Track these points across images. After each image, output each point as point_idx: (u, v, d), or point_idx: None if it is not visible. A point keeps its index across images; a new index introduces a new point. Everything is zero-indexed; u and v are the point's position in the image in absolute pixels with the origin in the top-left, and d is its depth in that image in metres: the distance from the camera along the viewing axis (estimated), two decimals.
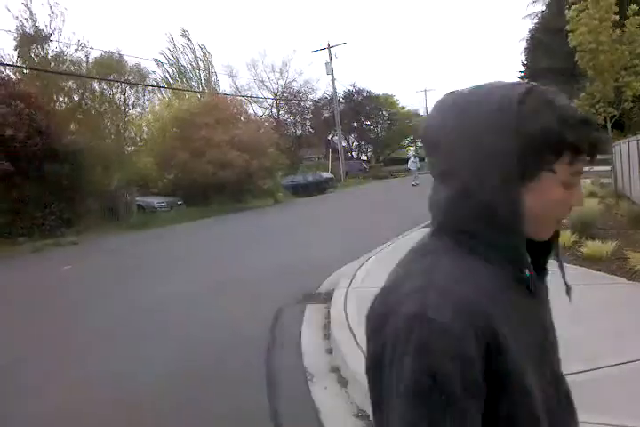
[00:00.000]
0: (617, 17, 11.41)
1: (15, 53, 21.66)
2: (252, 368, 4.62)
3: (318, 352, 4.88)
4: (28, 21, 21.43)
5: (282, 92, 48.07)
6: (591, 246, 6.86)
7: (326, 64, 43.54)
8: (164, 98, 33.72)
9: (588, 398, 2.13)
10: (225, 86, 53.05)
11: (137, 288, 8.92)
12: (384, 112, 57.76)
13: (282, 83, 47.99)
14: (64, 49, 22.21)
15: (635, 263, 5.91)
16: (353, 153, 59.55)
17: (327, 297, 6.60)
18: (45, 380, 4.86)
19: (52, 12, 21.65)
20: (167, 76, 40.66)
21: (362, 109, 54.28)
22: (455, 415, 0.75)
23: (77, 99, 22.91)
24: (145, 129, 27.13)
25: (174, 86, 38.15)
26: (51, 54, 21.97)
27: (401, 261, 0.93)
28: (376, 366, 0.81)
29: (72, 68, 22.37)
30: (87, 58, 22.74)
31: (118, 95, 24.23)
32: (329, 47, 43.03)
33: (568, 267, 6.53)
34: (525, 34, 37.53)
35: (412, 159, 32.56)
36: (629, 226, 8.53)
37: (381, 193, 27.91)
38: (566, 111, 0.82)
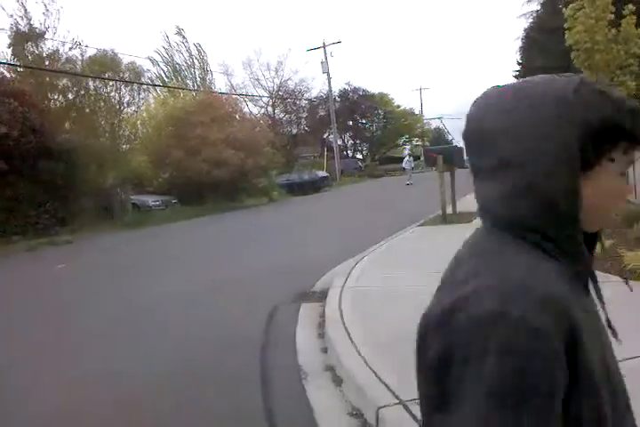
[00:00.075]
0: (612, 16, 11.44)
1: (9, 51, 21.61)
2: (246, 367, 4.62)
3: (313, 351, 4.88)
4: (22, 19, 21.38)
5: (277, 91, 48.06)
6: None
7: (322, 63, 43.57)
8: (159, 96, 33.64)
9: None
10: (220, 85, 52.99)
11: (131, 287, 8.89)
12: (379, 111, 57.81)
13: (277, 81, 48.03)
14: (59, 47, 22.16)
15: (628, 262, 5.93)
16: (348, 152, 59.59)
17: (322, 296, 6.59)
18: (41, 380, 4.84)
19: (47, 10, 21.58)
20: (162, 74, 40.60)
21: (357, 108, 54.31)
22: (541, 416, 0.73)
23: (72, 97, 22.83)
24: (140, 127, 27.06)
25: (169, 85, 38.06)
26: (45, 52, 21.89)
27: (459, 258, 0.91)
28: (441, 366, 0.78)
29: (67, 67, 22.29)
30: (82, 56, 22.70)
31: (113, 93, 24.18)
32: (324, 46, 43.05)
33: None
34: (520, 33, 37.53)
35: (407, 158, 32.59)
36: (623, 225, 8.55)
37: (376, 192, 27.91)
38: (620, 101, 0.83)
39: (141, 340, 5.80)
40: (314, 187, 33.35)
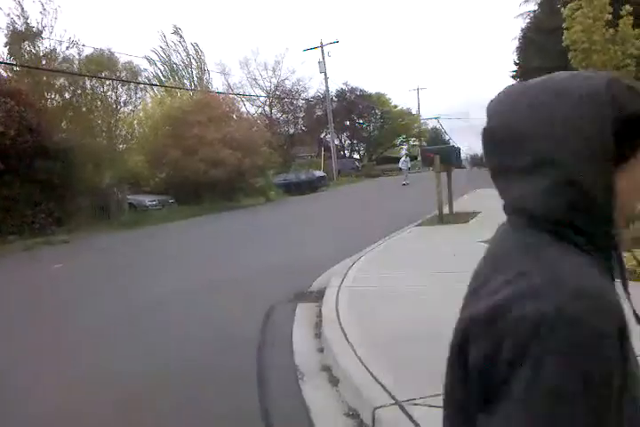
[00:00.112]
0: (610, 16, 11.46)
1: (5, 50, 21.55)
2: (243, 367, 4.62)
3: (309, 351, 4.88)
4: (19, 18, 21.32)
5: (274, 91, 48.02)
6: None
7: (319, 62, 43.56)
8: (156, 96, 33.60)
9: None
10: (218, 84, 53.00)
11: (128, 287, 8.88)
12: (377, 111, 57.83)
13: (274, 81, 47.99)
14: (56, 46, 22.10)
15: (625, 262, 5.95)
16: (345, 151, 59.59)
17: (319, 296, 6.59)
18: (39, 379, 4.83)
19: (44, 9, 21.53)
20: (159, 73, 40.57)
21: (354, 108, 54.31)
22: (597, 416, 0.72)
23: (69, 96, 22.78)
24: (137, 127, 27.02)
25: (166, 84, 38.03)
26: (42, 52, 21.84)
27: (495, 258, 0.90)
28: (490, 366, 0.77)
29: (63, 66, 22.24)
30: (79, 55, 22.65)
31: (110, 93, 24.13)
32: (321, 46, 43.05)
33: None
34: (517, 33, 37.56)
35: (404, 158, 32.62)
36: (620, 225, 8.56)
37: (373, 192, 27.93)
38: None
39: (138, 340, 5.79)
40: (311, 187, 33.36)
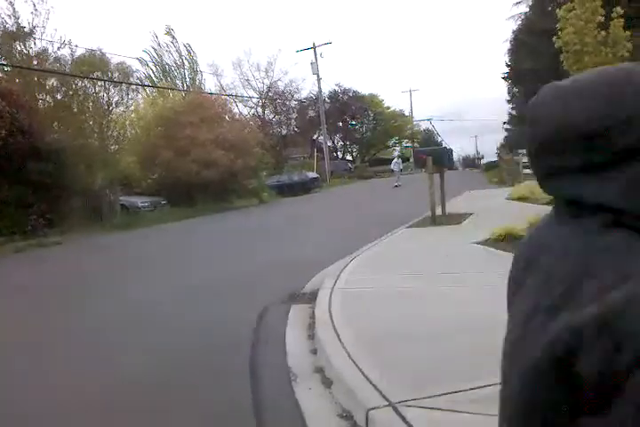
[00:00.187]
0: (602, 18, 11.52)
1: None
2: (235, 368, 4.60)
3: (302, 352, 4.87)
4: (10, 18, 21.22)
5: (267, 92, 48.00)
6: None
7: (312, 64, 43.63)
8: (148, 96, 33.53)
9: None
10: (210, 85, 52.82)
11: (120, 288, 8.84)
12: (369, 112, 57.94)
13: (267, 82, 48.00)
14: (47, 47, 22.01)
15: None
16: (338, 153, 59.66)
17: (312, 297, 6.59)
18: (27, 384, 4.80)
19: (36, 10, 21.43)
20: (151, 74, 40.48)
21: (347, 109, 54.39)
22: None
23: (60, 97, 22.68)
24: (129, 128, 26.94)
25: (159, 85, 37.95)
26: (33, 52, 21.74)
27: (580, 262, 0.85)
28: (604, 372, 0.75)
29: (55, 66, 22.14)
30: (72, 56, 22.56)
31: (102, 94, 24.04)
32: (314, 47, 43.11)
33: None
34: (509, 35, 37.74)
35: (396, 160, 32.64)
36: None
37: (366, 193, 27.97)
38: None
39: (127, 342, 5.76)
40: (304, 188, 33.36)
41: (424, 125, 71.14)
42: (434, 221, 11.95)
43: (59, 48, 22.17)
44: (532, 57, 29.81)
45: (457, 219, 12.17)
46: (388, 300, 5.91)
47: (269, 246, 12.07)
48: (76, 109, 22.75)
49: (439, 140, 69.23)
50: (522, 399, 0.85)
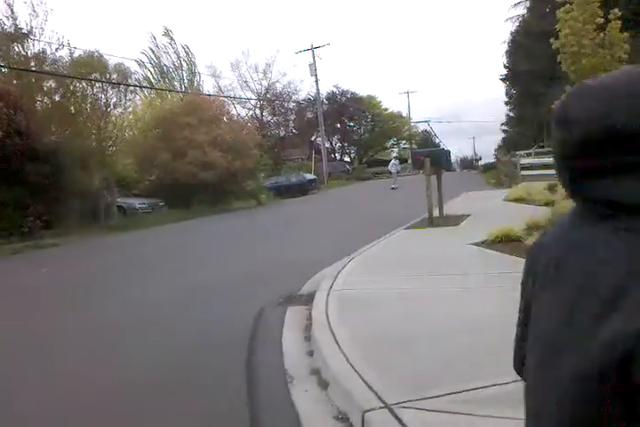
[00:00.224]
0: (601, 20, 11.53)
1: None
2: (232, 370, 4.59)
3: (299, 354, 4.86)
4: (8, 19, 21.17)
5: (265, 93, 48.01)
6: None
7: (310, 65, 43.67)
8: (146, 98, 33.50)
9: None
10: (208, 86, 52.85)
11: (116, 291, 8.84)
12: (367, 113, 57.99)
13: (265, 83, 47.99)
14: (45, 48, 21.96)
15: None
16: (336, 154, 59.70)
17: (309, 299, 6.58)
18: (21, 385, 4.78)
19: (34, 11, 21.37)
20: (149, 75, 40.45)
21: (345, 111, 54.43)
22: None
23: (58, 98, 22.64)
24: (127, 129, 26.90)
25: (157, 86, 37.95)
26: (31, 53, 21.67)
27: (625, 265, 0.83)
28: None
29: (53, 68, 22.08)
30: (71, 57, 22.50)
31: (100, 95, 23.98)
32: (312, 48, 43.15)
33: None
34: (507, 36, 37.81)
35: (393, 161, 32.60)
36: None
37: (364, 195, 27.96)
38: None
39: (124, 344, 5.74)
40: (302, 190, 33.34)
41: (422, 127, 71.27)
42: (431, 222, 11.95)
43: (56, 49, 22.13)
44: (530, 59, 29.88)
45: (454, 220, 12.17)
46: (385, 301, 5.90)
47: (267, 248, 12.06)
48: (73, 111, 22.70)
49: (437, 141, 69.33)
50: (565, 412, 0.82)
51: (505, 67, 38.46)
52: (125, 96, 24.60)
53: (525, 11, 34.91)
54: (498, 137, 60.39)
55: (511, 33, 36.22)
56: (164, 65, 41.05)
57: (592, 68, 11.72)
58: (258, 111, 48.35)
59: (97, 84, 22.98)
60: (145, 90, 34.63)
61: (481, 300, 5.53)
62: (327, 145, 51.19)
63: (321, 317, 5.51)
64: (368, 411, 3.27)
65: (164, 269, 10.41)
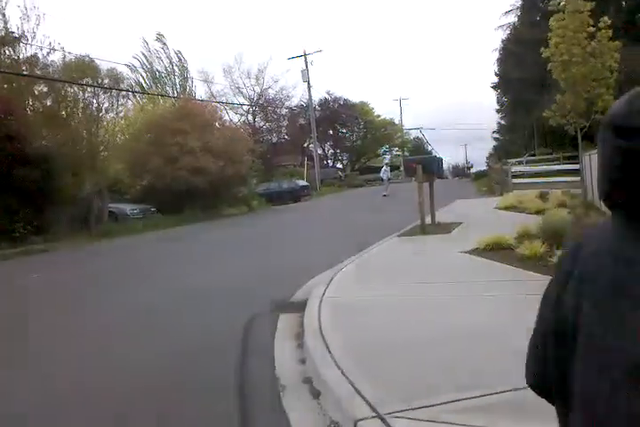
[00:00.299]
0: (593, 28, 11.64)
1: None
2: (223, 378, 4.56)
3: (291, 363, 4.83)
4: None
5: (258, 99, 48.01)
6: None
7: (302, 71, 43.74)
8: (138, 103, 33.43)
9: None
10: (201, 92, 52.72)
11: (106, 298, 8.77)
12: (360, 120, 58.12)
13: (258, 89, 47.98)
14: (37, 52, 21.86)
15: None
16: (328, 161, 59.74)
17: (301, 306, 6.55)
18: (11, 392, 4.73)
19: (27, 15, 21.29)
20: (141, 80, 40.39)
21: (338, 117, 54.53)
22: None
23: (49, 103, 22.54)
24: (118, 134, 26.80)
25: (149, 91, 37.89)
26: (23, 57, 21.58)
27: None
28: None
29: (47, 72, 21.98)
30: (63, 61, 22.42)
31: (92, 100, 23.90)
32: (305, 54, 43.24)
33: (539, 276, 6.59)
34: (498, 44, 38.03)
35: (385, 168, 32.58)
36: None
37: (356, 202, 27.98)
38: None
39: (114, 353, 5.69)
40: (294, 196, 33.33)
41: (414, 134, 71.52)
42: (423, 230, 11.95)
43: (48, 53, 22.05)
44: (520, 66, 30.09)
45: (446, 228, 12.19)
46: (378, 309, 5.89)
47: (259, 255, 12.02)
48: (65, 116, 22.60)
49: (429, 148, 69.60)
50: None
51: (496, 74, 38.69)
52: (117, 101, 24.55)
53: (516, 19, 35.19)
54: (489, 145, 60.72)
55: (502, 41, 36.47)
56: (157, 70, 41.08)
57: (582, 76, 11.82)
58: (250, 117, 48.33)
59: (89, 89, 22.91)
60: (137, 95, 34.57)
61: (473, 307, 5.53)
62: (319, 152, 51.25)
63: (313, 324, 5.48)
64: (360, 420, 3.25)
65: (155, 276, 10.35)
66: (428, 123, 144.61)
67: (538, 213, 12.68)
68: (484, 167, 43.02)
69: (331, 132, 56.43)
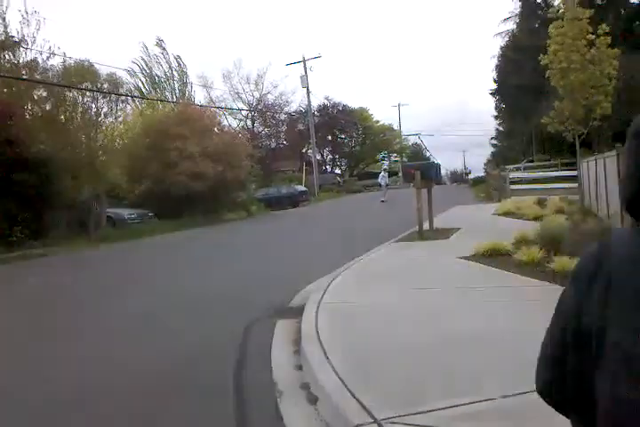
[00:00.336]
0: (592, 36, 11.68)
1: None
2: (220, 384, 4.55)
3: (288, 368, 4.82)
4: None
5: (257, 105, 48.09)
6: (559, 262, 6.94)
7: (301, 77, 43.85)
8: (137, 108, 33.45)
9: None
10: (200, 97, 52.79)
11: (104, 303, 8.75)
12: (358, 126, 58.20)
13: (257, 95, 48.06)
14: (37, 56, 21.89)
15: None
16: (327, 166, 59.76)
17: (298, 312, 6.54)
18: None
19: (27, 20, 21.30)
20: (141, 85, 40.43)
21: (336, 123, 54.59)
22: None
23: (49, 107, 22.55)
24: (117, 139, 26.80)
25: (148, 96, 37.93)
26: (22, 62, 21.59)
27: None
28: None
29: (46, 76, 22.00)
30: (64, 66, 22.43)
31: (91, 104, 23.91)
32: (304, 60, 43.35)
33: (536, 282, 6.60)
34: (496, 51, 38.16)
35: (382, 174, 32.54)
36: (594, 241, 8.66)
37: (354, 207, 27.98)
38: None
39: (111, 358, 5.67)
40: (292, 201, 33.34)
41: (412, 140, 71.58)
42: (421, 235, 11.96)
43: (48, 58, 22.07)
44: (518, 73, 30.20)
45: (445, 233, 12.19)
46: (375, 314, 5.88)
47: (257, 260, 12.02)
48: (64, 120, 22.60)
49: (427, 154, 69.64)
50: None
51: (494, 81, 38.79)
52: (116, 106, 24.54)
53: (515, 26, 35.36)
54: (487, 151, 60.77)
55: (501, 48, 36.62)
56: (156, 75, 41.11)
57: (580, 83, 11.86)
58: (249, 122, 48.42)
59: (88, 94, 22.93)
60: (136, 100, 34.61)
61: (471, 313, 5.53)
62: (318, 157, 51.29)
63: (310, 330, 5.48)
64: (357, 426, 3.25)
65: (154, 281, 10.34)
66: (426, 129, 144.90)
67: (536, 219, 12.70)
68: (482, 173, 43.05)
69: (329, 137, 56.48)
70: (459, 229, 12.86)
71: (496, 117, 44.80)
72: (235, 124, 46.03)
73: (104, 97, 23.53)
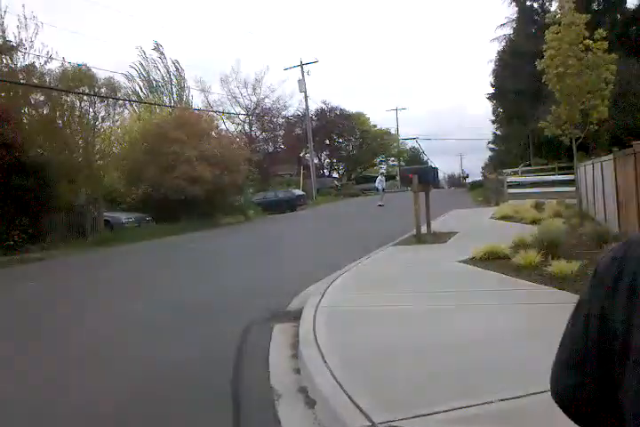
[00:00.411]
0: (590, 41, 11.71)
1: None
2: (218, 387, 4.53)
3: (286, 372, 4.81)
4: None
5: (254, 109, 48.12)
6: (557, 266, 6.95)
7: (299, 81, 43.91)
8: (135, 112, 33.45)
9: None
10: (198, 101, 52.81)
11: (102, 307, 8.73)
12: (356, 130, 58.26)
13: (254, 99, 48.10)
14: (34, 61, 21.90)
15: None
16: (325, 170, 59.80)
17: (296, 316, 6.54)
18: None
19: (25, 24, 21.33)
20: (138, 90, 40.46)
21: (334, 127, 54.65)
22: None
23: (46, 111, 22.54)
24: (115, 143, 26.80)
25: (146, 101, 37.95)
26: (20, 66, 21.60)
27: None
28: None
29: (43, 80, 22.01)
30: (63, 71, 22.44)
31: (88, 108, 23.91)
32: (301, 65, 43.41)
33: (534, 286, 6.60)
34: (494, 56, 38.27)
35: (380, 178, 32.52)
36: (594, 246, 8.69)
37: (352, 211, 27.99)
38: None
39: (107, 364, 5.65)
40: (290, 205, 33.34)
41: (410, 144, 71.69)
42: (419, 239, 11.97)
43: (45, 62, 22.09)
44: (516, 78, 30.28)
45: (442, 237, 12.21)
46: (373, 318, 5.88)
47: (255, 264, 12.01)
48: (61, 124, 22.60)
49: (425, 158, 69.75)
50: None
51: (492, 86, 38.87)
52: (114, 110, 24.57)
53: (512, 31, 35.48)
54: (485, 155, 60.87)
55: (498, 52, 36.70)
56: (154, 79, 41.14)
57: (577, 87, 11.89)
58: (247, 126, 48.44)
59: (85, 98, 22.94)
60: (134, 104, 34.61)
61: (469, 316, 5.53)
62: (316, 161, 51.34)
63: (308, 334, 5.47)
64: None
65: (152, 285, 10.34)
66: (424, 133, 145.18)
67: (533, 222, 12.73)
68: (479, 177, 43.09)
69: (327, 141, 56.53)
70: (456, 232, 12.87)
71: (493, 122, 44.91)
72: (232, 128, 46.13)
73: (102, 101, 23.54)
